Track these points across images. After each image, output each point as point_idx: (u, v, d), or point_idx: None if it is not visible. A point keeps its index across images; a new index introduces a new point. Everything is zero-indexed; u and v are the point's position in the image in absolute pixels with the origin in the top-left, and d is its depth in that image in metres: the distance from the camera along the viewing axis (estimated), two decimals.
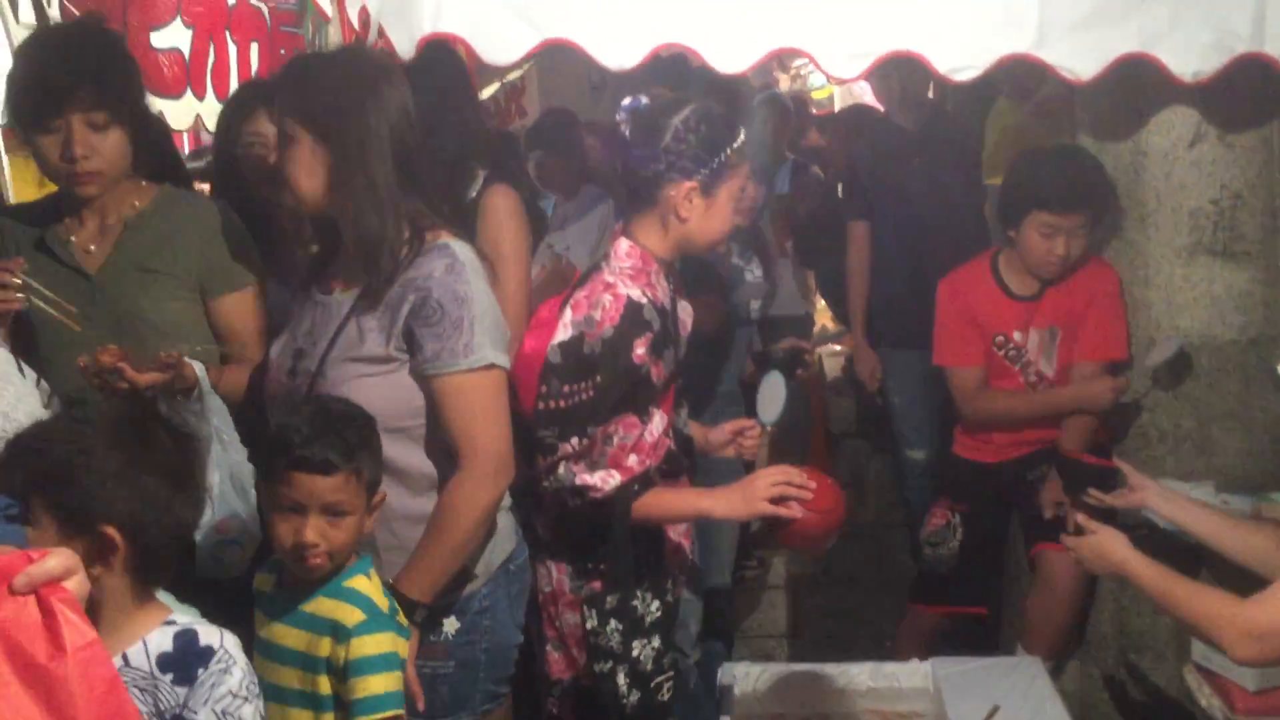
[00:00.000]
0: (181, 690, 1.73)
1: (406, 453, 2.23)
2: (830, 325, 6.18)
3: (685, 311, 2.65)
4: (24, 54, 2.50)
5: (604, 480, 2.38)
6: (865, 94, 7.41)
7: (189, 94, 3.85)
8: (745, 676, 2.79)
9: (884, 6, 2.77)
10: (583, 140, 5.04)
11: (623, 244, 2.45)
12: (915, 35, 2.76)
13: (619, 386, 2.36)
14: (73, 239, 2.47)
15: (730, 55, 2.72)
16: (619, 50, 2.68)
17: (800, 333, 5.15)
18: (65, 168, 2.38)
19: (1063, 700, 2.67)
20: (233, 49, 4.27)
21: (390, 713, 2.03)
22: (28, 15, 3.66)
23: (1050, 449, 3.26)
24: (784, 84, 8.19)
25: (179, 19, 3.93)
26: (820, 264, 5.36)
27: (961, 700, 2.62)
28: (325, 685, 2.05)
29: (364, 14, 2.51)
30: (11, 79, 2.47)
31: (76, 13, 3.44)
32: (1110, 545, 2.34)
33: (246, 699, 1.76)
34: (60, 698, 1.17)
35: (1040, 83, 3.59)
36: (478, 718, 2.36)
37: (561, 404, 2.37)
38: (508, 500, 2.39)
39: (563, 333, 2.39)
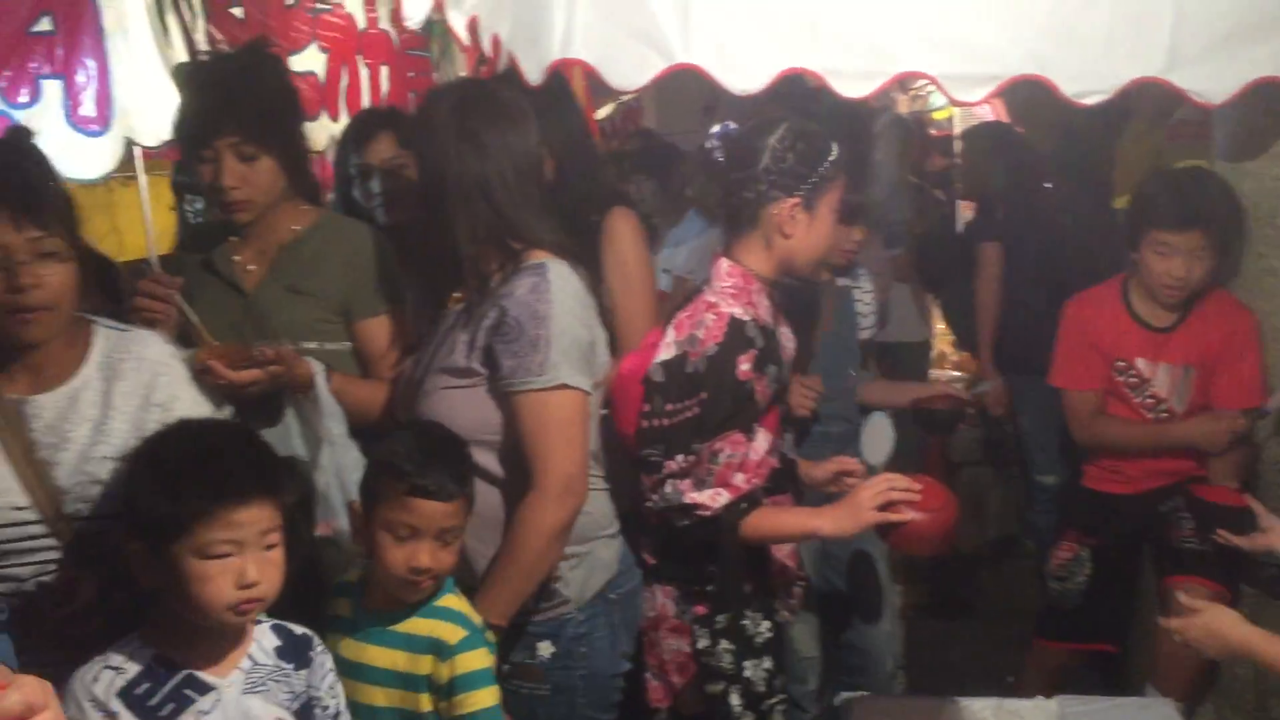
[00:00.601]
0: (303, 673, 1.89)
1: (493, 461, 2.28)
2: (949, 350, 6.09)
3: (787, 336, 2.65)
4: (185, 82, 2.63)
5: (712, 498, 2.40)
6: (987, 113, 7.32)
7: (324, 116, 3.97)
8: (862, 706, 2.76)
9: (1010, 30, 2.72)
10: (680, 165, 5.06)
11: (723, 264, 2.49)
12: (1041, 58, 2.71)
13: (724, 403, 2.39)
14: (236, 257, 2.58)
15: (855, 80, 2.70)
16: (744, 75, 2.67)
17: (918, 359, 5.08)
18: (217, 195, 2.47)
19: None
20: (364, 72, 4.40)
21: None
22: (178, 41, 3.80)
23: (1184, 481, 3.17)
24: (903, 105, 8.11)
25: (314, 44, 4.06)
26: (942, 288, 5.29)
27: None
28: (426, 703, 2.10)
29: (495, 41, 2.55)
30: (178, 107, 2.58)
31: (219, 36, 3.57)
32: (1224, 624, 2.20)
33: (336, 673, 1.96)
34: None
35: (1176, 104, 3.50)
36: None
37: (666, 422, 2.41)
38: (612, 528, 2.40)
39: (665, 352, 2.43)
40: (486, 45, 2.54)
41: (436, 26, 4.33)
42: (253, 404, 2.36)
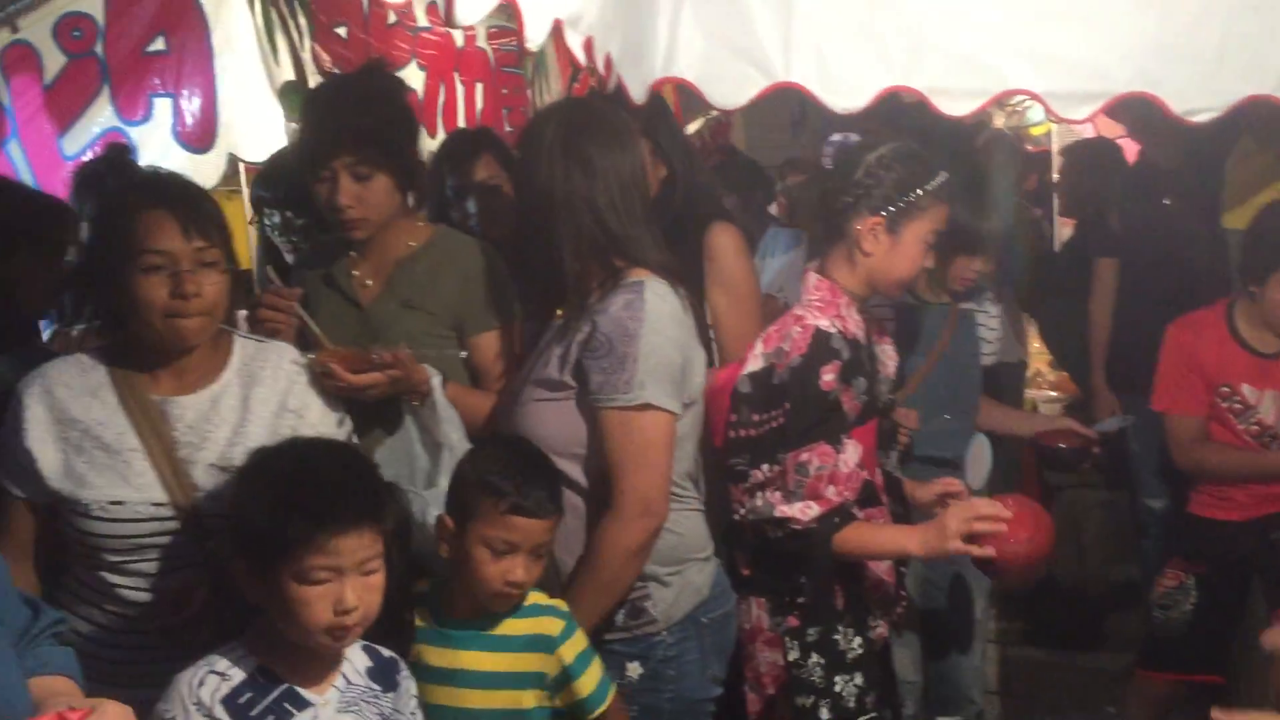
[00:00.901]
0: (390, 695, 1.90)
1: (580, 475, 2.29)
2: (1045, 370, 5.98)
3: (888, 354, 2.65)
4: (304, 104, 2.70)
5: (803, 511, 2.39)
6: (1086, 131, 7.19)
7: (422, 133, 4.03)
8: None
9: (1117, 47, 2.68)
10: (769, 183, 5.04)
11: (811, 278, 2.53)
12: (1150, 76, 2.66)
13: (808, 413, 2.40)
14: (355, 273, 2.62)
15: (958, 99, 2.68)
16: (845, 94, 2.66)
17: (1014, 379, 4.98)
18: (334, 214, 2.51)
19: None
20: (460, 89, 4.47)
21: (614, 688, 2.22)
22: (285, 59, 3.89)
23: None
24: (1000, 120, 7.99)
25: (414, 62, 4.13)
26: (1041, 308, 5.19)
27: None
28: (529, 699, 2.15)
29: (608, 61, 2.57)
30: (298, 128, 2.67)
31: (327, 58, 3.64)
32: None
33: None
34: None
35: None
36: None
37: (752, 433, 2.43)
38: (705, 550, 2.39)
39: (753, 364, 2.45)
40: (600, 65, 2.56)
41: (531, 44, 4.38)
42: (373, 411, 2.40)
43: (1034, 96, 2.70)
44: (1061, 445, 3.15)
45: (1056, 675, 4.30)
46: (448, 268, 2.59)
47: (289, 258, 3.33)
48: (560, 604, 2.20)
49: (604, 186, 2.28)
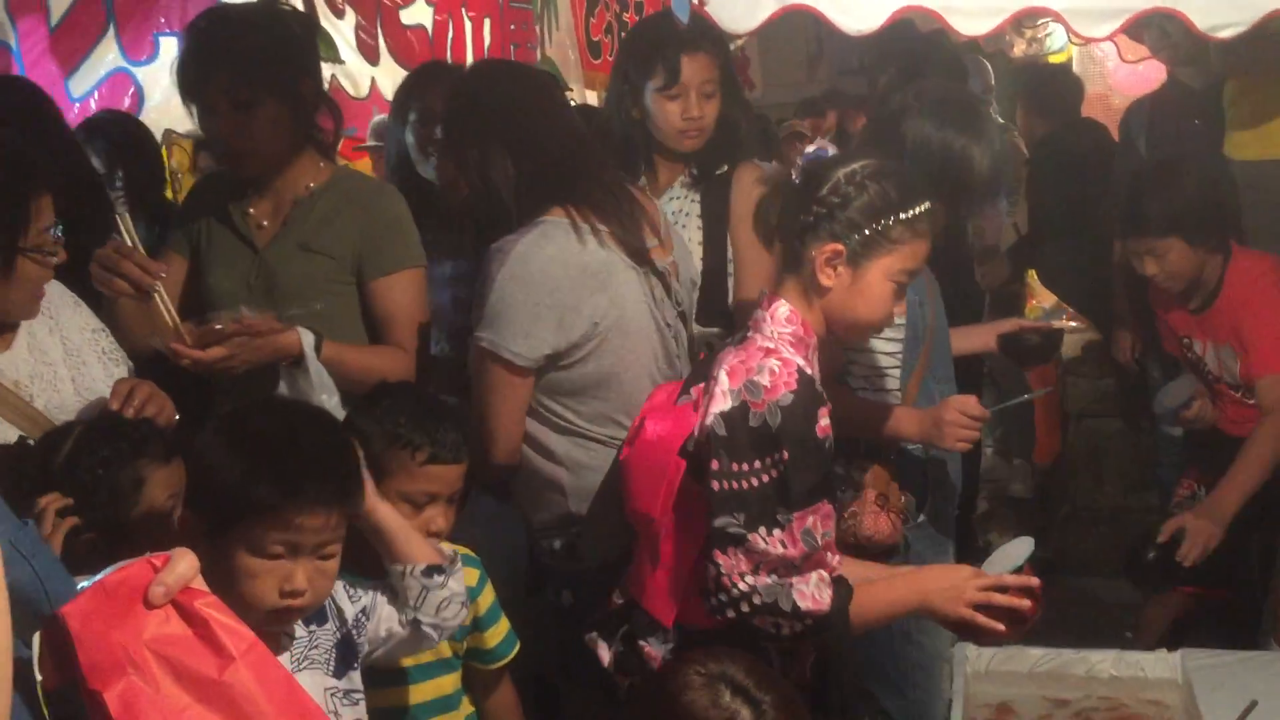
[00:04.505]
0: (328, 625, 1.83)
1: None
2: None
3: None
4: (186, 31, 2.57)
5: (819, 593, 2.03)
6: (1109, 56, 7.07)
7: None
8: (978, 657, 2.70)
9: None
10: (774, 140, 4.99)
11: (783, 308, 2.09)
12: None
13: (811, 465, 2.01)
14: (251, 211, 2.53)
15: (974, 18, 2.64)
16: (858, 16, 2.63)
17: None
18: (218, 146, 2.44)
19: None
20: (468, 24, 4.41)
21: (518, 646, 2.24)
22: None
23: None
24: (1019, 48, 7.88)
25: None
26: (1038, 253, 5.11)
27: (1213, 694, 2.47)
28: (448, 649, 2.14)
29: None
30: (176, 56, 2.54)
31: None
32: None
33: None
34: (248, 710, 1.07)
35: None
36: None
37: (740, 485, 2.00)
38: None
39: (721, 402, 2.02)
40: None
41: None
42: (246, 374, 2.34)
43: (1053, 14, 2.66)
44: (1031, 335, 2.97)
45: (1075, 602, 4.30)
46: (348, 209, 2.50)
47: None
48: (473, 553, 2.19)
49: (519, 136, 2.38)
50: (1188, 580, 3.23)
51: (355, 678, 1.82)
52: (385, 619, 1.85)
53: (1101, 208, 4.35)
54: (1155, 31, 3.82)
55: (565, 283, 2.32)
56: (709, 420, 2.01)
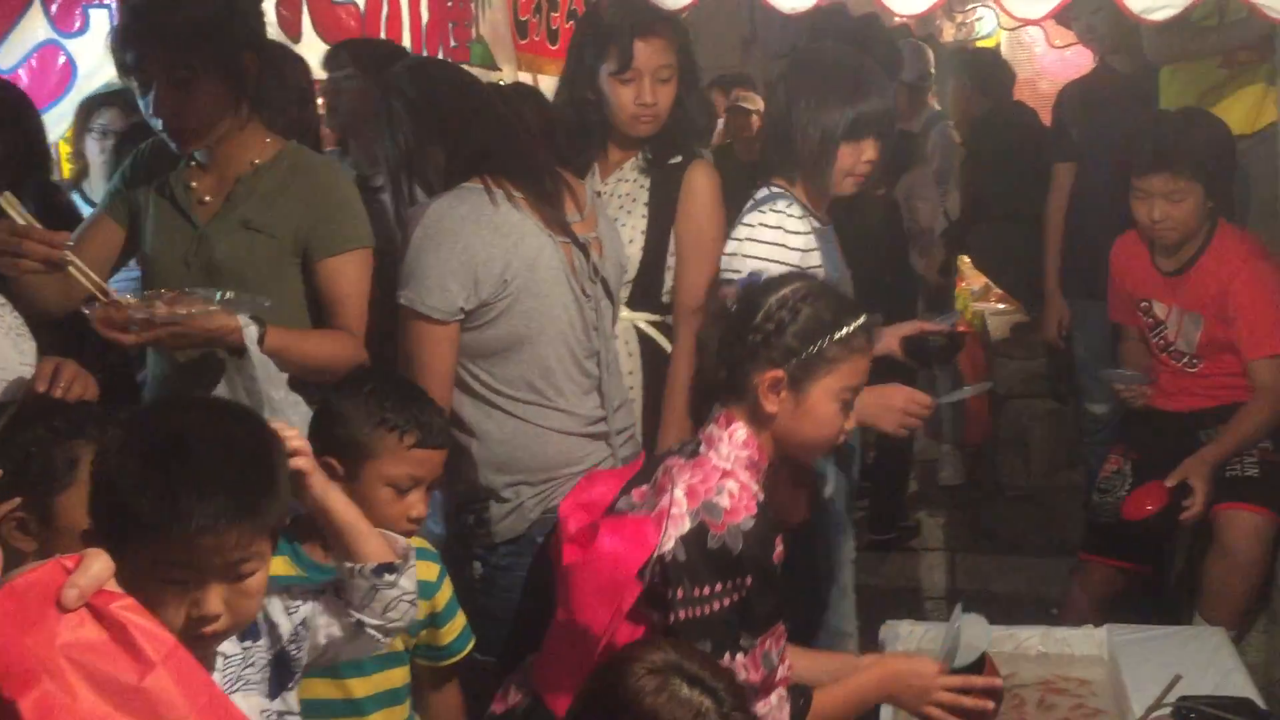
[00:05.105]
0: (262, 642, 1.74)
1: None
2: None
3: None
4: (120, 4, 2.49)
5: (780, 712, 2.04)
6: (1036, 42, 7.18)
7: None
8: (909, 635, 2.75)
9: None
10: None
11: (741, 431, 2.04)
12: None
13: (770, 591, 1.98)
14: (194, 185, 2.45)
15: None
16: None
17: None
18: (157, 125, 2.35)
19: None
20: (404, 2, 4.34)
21: (473, 641, 2.25)
22: None
23: (1228, 405, 3.19)
24: (949, 33, 7.96)
25: None
26: (969, 237, 5.19)
27: (1138, 669, 2.54)
28: (400, 643, 2.11)
29: None
30: (109, 33, 2.46)
31: None
32: None
33: None
34: (170, 717, 1.01)
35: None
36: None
37: (703, 611, 1.94)
38: (545, 471, 2.46)
39: (679, 524, 1.96)
40: None
41: None
42: (193, 362, 2.29)
43: None
44: (933, 338, 2.92)
45: (1003, 579, 4.38)
46: (294, 186, 2.42)
47: None
48: (429, 546, 2.19)
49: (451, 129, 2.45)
50: (1123, 554, 3.30)
51: (291, 699, 1.75)
52: (324, 626, 1.77)
53: (1034, 190, 4.41)
54: (1083, 23, 3.89)
55: (476, 240, 2.37)
56: (668, 546, 1.94)
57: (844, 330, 2.03)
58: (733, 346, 2.06)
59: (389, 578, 1.74)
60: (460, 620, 2.23)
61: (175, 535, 1.40)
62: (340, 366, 2.32)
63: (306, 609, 1.75)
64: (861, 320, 2.06)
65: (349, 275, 2.41)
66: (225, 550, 1.43)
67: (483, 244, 2.37)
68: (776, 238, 2.64)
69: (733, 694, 1.62)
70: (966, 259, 5.57)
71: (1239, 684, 2.47)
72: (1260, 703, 2.40)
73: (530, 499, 2.45)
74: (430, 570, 2.15)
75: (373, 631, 1.77)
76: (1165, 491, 3.10)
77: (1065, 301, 4.24)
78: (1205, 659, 2.57)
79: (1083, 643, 2.73)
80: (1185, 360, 3.29)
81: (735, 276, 2.55)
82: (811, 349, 2.01)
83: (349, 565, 1.74)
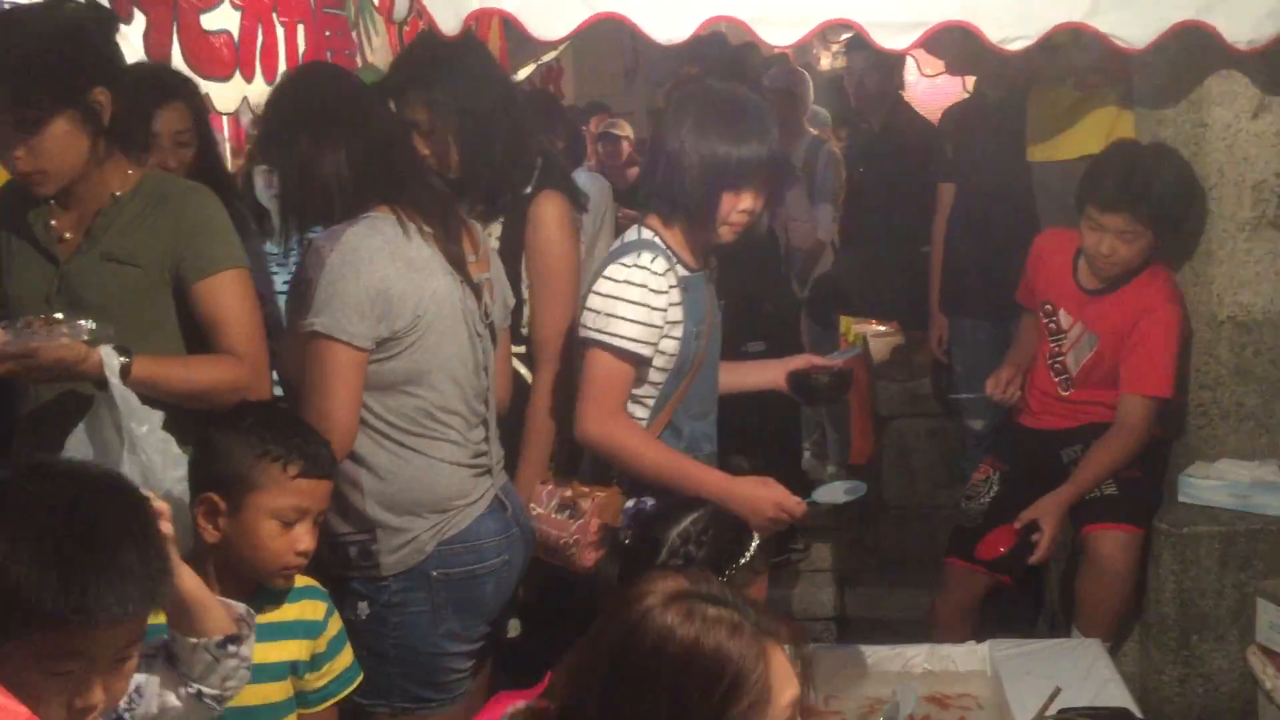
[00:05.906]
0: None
1: None
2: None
3: None
4: None
5: None
6: (909, 70, 7.32)
7: (237, 76, 3.84)
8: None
9: None
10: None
11: None
12: (968, 4, 2.72)
13: None
14: (54, 223, 2.36)
15: (782, 28, 2.69)
16: (669, 24, 2.65)
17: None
18: (8, 167, 2.25)
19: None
20: (280, 30, 4.27)
21: (359, 678, 2.20)
22: None
23: (1090, 424, 3.23)
24: (825, 61, 8.11)
25: (227, 1, 3.93)
26: (857, 256, 5.27)
27: (1020, 683, 2.58)
28: (289, 689, 2.08)
29: None
30: None
31: None
32: None
33: None
34: None
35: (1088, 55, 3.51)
36: (395, 713, 2.40)
37: None
38: (439, 505, 2.41)
39: None
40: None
41: None
42: (62, 392, 2.21)
43: (855, 26, 2.73)
44: (820, 375, 2.86)
45: (893, 601, 4.42)
46: (156, 212, 2.33)
47: None
48: (318, 584, 2.15)
49: (351, 132, 2.40)
50: (996, 566, 3.33)
51: None
52: (157, 695, 1.69)
53: (912, 214, 4.51)
54: (954, 50, 3.99)
55: (392, 272, 2.34)
56: None
57: (747, 554, 2.12)
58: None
59: (231, 649, 1.70)
60: (343, 661, 2.17)
61: (76, 627, 1.31)
62: (224, 390, 2.25)
63: (140, 678, 1.66)
64: (756, 541, 2.16)
65: (226, 296, 2.33)
66: (124, 638, 1.37)
67: (398, 276, 2.34)
68: (640, 296, 2.48)
69: (747, 601, 1.56)
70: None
71: (1116, 694, 2.53)
72: (1137, 711, 2.46)
73: (425, 532, 2.40)
74: (316, 609, 2.11)
75: (210, 701, 1.72)
76: (1014, 533, 3.13)
77: (944, 318, 4.35)
78: (1083, 670, 2.63)
79: (967, 659, 2.77)
80: (1061, 379, 3.33)
81: (599, 337, 2.48)
82: (721, 578, 1.90)
83: (191, 641, 1.67)
